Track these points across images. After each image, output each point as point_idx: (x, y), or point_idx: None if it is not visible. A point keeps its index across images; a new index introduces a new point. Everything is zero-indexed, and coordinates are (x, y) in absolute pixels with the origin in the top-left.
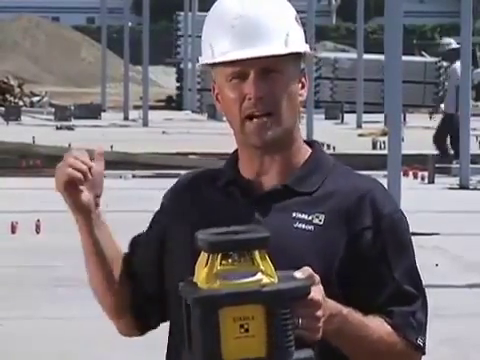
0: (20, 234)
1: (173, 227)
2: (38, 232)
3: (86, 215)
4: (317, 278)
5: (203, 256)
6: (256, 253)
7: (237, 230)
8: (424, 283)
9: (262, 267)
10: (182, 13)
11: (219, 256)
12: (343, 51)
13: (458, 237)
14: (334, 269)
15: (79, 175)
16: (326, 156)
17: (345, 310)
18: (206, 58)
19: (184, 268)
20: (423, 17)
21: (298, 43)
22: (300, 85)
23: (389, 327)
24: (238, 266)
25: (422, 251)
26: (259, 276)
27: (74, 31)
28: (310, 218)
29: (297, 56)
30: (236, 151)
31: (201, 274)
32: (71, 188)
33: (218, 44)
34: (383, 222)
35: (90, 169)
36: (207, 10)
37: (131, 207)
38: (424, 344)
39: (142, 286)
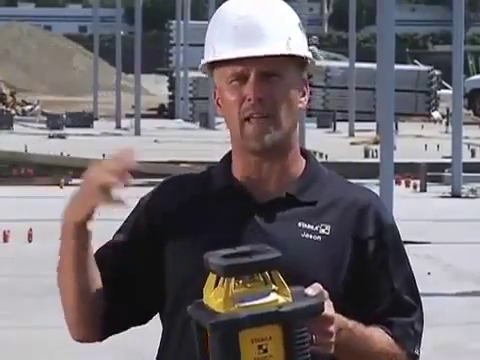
0: (12, 243)
1: (168, 232)
2: (30, 241)
3: (88, 218)
4: (326, 294)
5: (212, 278)
6: (269, 273)
7: (247, 251)
8: None
9: (275, 286)
10: (174, 22)
11: (233, 279)
12: (335, 60)
13: (450, 245)
14: (341, 280)
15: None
16: (320, 165)
17: (350, 323)
18: (207, 58)
19: (187, 280)
20: (415, 26)
21: (300, 48)
22: (301, 93)
23: (390, 338)
24: (251, 287)
25: (414, 260)
26: (274, 296)
27: (66, 40)
28: (316, 228)
29: (299, 63)
30: (227, 156)
31: (212, 297)
32: (104, 190)
33: (220, 44)
34: (386, 233)
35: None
36: (199, 19)
37: (123, 215)
38: (419, 353)
39: (117, 290)
